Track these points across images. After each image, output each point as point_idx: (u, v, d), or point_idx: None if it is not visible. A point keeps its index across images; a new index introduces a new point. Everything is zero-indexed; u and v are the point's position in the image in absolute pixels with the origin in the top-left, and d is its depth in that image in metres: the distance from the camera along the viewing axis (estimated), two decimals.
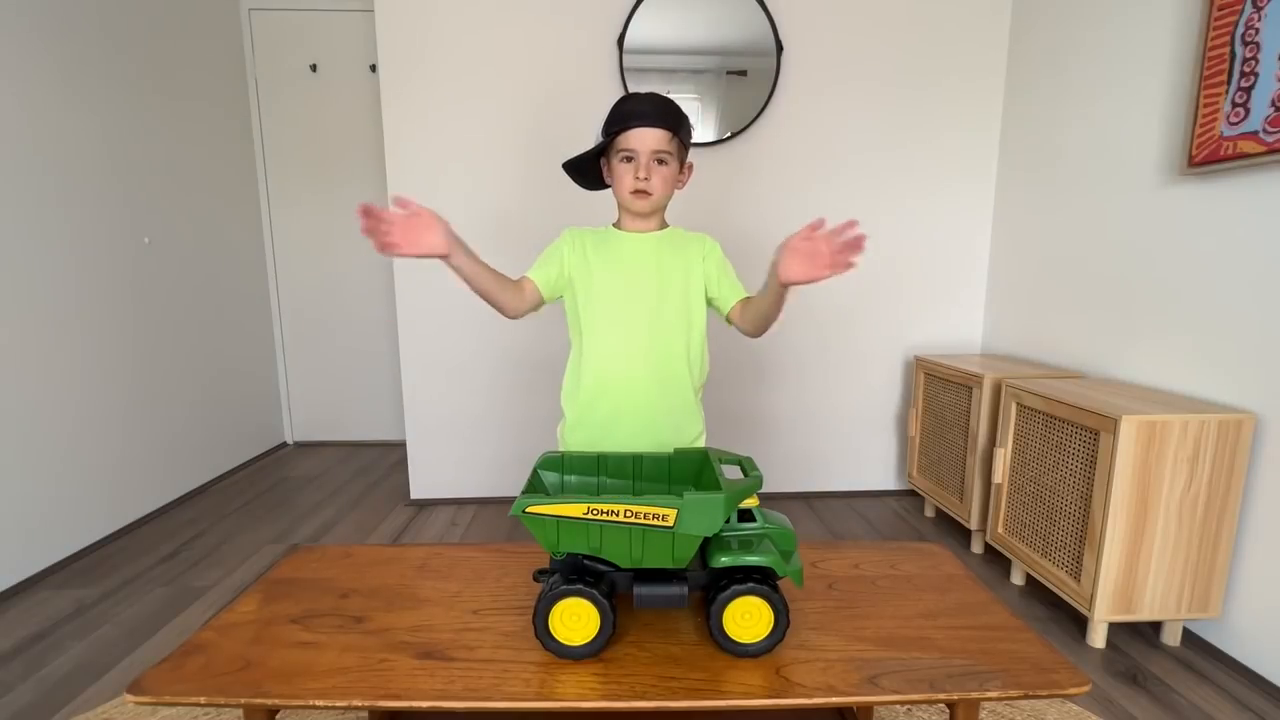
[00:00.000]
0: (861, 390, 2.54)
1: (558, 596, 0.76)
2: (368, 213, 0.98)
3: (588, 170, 1.25)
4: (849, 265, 0.94)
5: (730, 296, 1.22)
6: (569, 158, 1.23)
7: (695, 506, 0.76)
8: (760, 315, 1.15)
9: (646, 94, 1.19)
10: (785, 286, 1.02)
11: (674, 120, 1.16)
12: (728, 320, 1.24)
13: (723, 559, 0.78)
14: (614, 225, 1.27)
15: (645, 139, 1.14)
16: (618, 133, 1.15)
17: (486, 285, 1.14)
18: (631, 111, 1.15)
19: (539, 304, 1.23)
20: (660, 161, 1.16)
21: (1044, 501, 1.71)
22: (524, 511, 0.76)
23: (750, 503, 0.87)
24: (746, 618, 0.77)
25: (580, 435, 1.23)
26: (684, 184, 1.24)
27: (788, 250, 0.99)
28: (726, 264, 1.26)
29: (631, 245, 1.23)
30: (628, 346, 1.19)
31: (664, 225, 1.26)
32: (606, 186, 1.26)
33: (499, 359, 2.44)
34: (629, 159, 1.16)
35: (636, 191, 1.16)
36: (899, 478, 2.62)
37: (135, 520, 2.31)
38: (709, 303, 1.25)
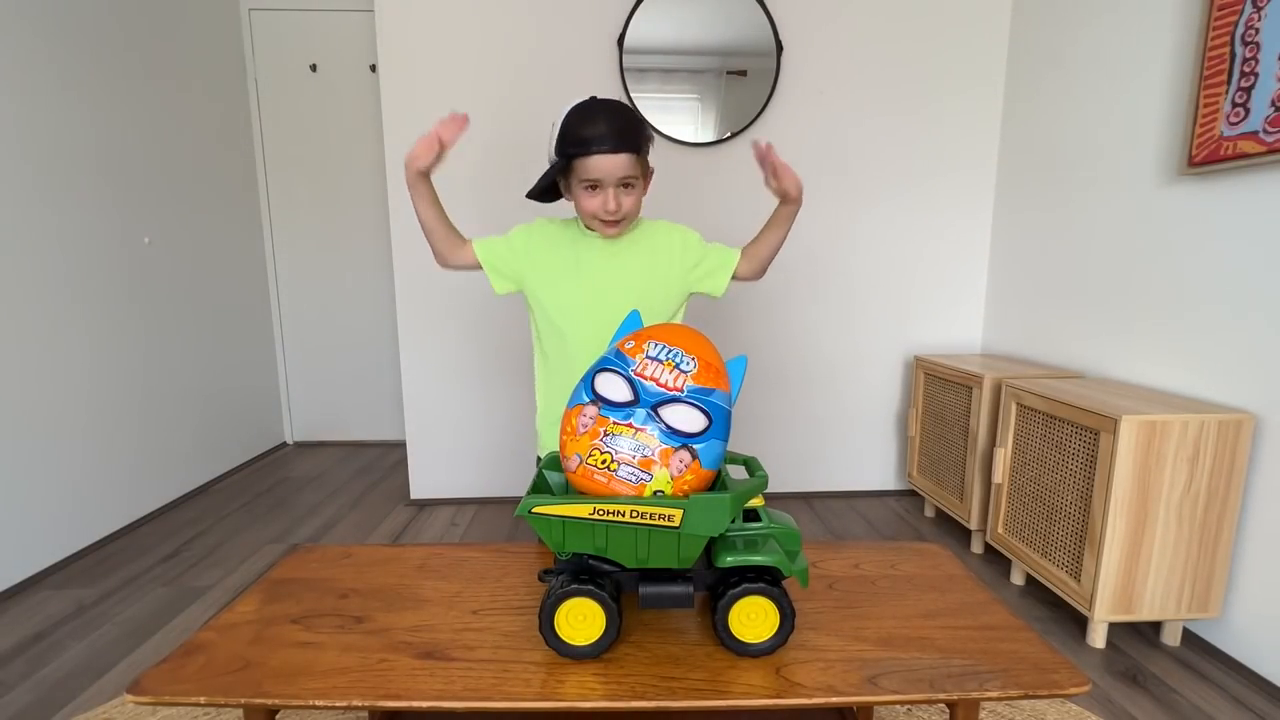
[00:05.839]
0: (861, 390, 2.54)
1: (565, 596, 0.76)
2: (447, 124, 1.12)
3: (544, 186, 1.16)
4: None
5: (728, 264, 1.22)
6: (529, 190, 1.16)
7: (701, 507, 0.76)
8: (772, 248, 1.23)
9: (602, 108, 1.07)
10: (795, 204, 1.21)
11: (636, 139, 1.07)
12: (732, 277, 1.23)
13: (728, 558, 0.78)
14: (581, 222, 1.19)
15: (610, 167, 1.04)
16: (575, 157, 1.05)
17: (435, 221, 1.19)
18: (591, 136, 1.04)
19: (473, 268, 1.22)
20: (627, 186, 1.08)
21: (1044, 501, 1.71)
22: (530, 512, 0.76)
23: (756, 502, 0.87)
24: (752, 617, 0.77)
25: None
26: (646, 190, 1.16)
27: (780, 176, 1.17)
28: (707, 246, 1.24)
29: (603, 251, 1.16)
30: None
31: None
32: (562, 197, 1.17)
33: (499, 358, 2.44)
34: (593, 187, 1.07)
35: (606, 222, 1.10)
36: (899, 478, 2.62)
37: (135, 520, 2.31)
38: (704, 292, 1.23)
